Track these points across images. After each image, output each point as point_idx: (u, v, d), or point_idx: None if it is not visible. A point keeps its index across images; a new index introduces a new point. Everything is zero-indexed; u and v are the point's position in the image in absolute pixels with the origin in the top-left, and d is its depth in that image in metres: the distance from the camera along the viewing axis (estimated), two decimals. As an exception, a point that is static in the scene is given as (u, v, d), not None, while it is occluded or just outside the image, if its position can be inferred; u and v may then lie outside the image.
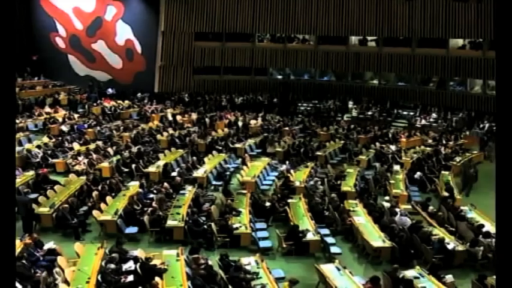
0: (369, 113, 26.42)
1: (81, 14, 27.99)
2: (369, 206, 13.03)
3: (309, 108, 27.54)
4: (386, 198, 13.95)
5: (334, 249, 10.98)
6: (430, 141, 21.31)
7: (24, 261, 9.22)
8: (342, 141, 20.30)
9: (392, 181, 15.38)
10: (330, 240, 11.30)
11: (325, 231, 11.78)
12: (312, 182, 15.06)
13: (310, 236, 11.14)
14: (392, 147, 19.75)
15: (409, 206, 13.47)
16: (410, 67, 26.32)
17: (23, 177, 14.04)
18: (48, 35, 28.42)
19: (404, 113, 26.66)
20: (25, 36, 27.83)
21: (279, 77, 29.84)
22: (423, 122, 24.72)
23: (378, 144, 20.20)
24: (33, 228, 11.47)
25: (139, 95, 27.85)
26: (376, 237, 11.05)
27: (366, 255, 11.03)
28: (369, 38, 27.73)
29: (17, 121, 20.39)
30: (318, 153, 18.60)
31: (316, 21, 27.47)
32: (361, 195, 14.09)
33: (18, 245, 9.80)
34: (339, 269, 9.46)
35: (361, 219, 12.08)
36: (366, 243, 11.04)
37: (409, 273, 9.39)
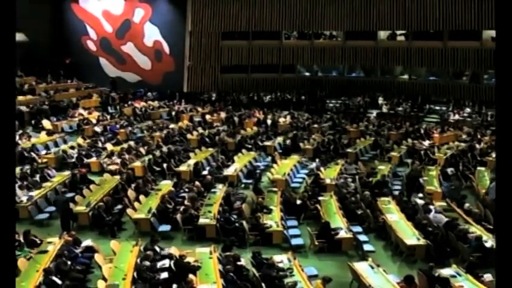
0: (400, 108, 25.98)
1: (111, 17, 28.56)
2: (402, 203, 12.84)
3: (337, 105, 27.32)
4: (420, 195, 13.70)
5: (367, 247, 10.88)
6: (464, 136, 20.80)
7: (63, 258, 9.51)
8: (373, 138, 20.05)
9: (425, 178, 15.09)
10: (362, 238, 11.19)
11: (358, 228, 11.68)
12: (342, 180, 14.95)
13: (342, 234, 11.06)
14: (425, 143, 19.38)
15: (444, 203, 13.19)
16: (442, 61, 25.73)
17: (59, 177, 14.46)
18: (79, 38, 29.11)
19: (437, 108, 26.12)
20: (58, 41, 28.60)
21: (307, 74, 29.69)
22: (456, 117, 24.16)
23: (409, 140, 19.87)
24: (71, 226, 11.78)
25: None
26: (410, 235, 10.88)
27: (400, 253, 10.87)
28: (398, 32, 27.25)
29: (54, 123, 21.04)
30: (348, 150, 18.43)
31: (343, 17, 27.18)
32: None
33: (58, 242, 10.11)
34: (372, 267, 9.36)
35: (394, 216, 11.91)
36: (399, 241, 10.89)
37: (446, 272, 9.21)
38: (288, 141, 19.40)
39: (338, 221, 11.69)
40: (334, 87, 28.52)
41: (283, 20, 27.90)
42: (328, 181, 14.61)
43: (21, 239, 10.37)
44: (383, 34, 27.89)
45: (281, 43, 28.58)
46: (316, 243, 10.98)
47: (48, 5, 28.33)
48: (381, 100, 27.33)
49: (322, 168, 15.94)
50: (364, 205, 12.71)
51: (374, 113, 25.97)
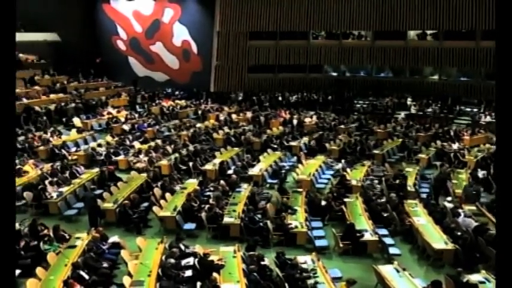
0: (429, 109, 25.49)
1: (141, 17, 29.01)
2: (430, 207, 12.59)
3: (365, 106, 26.99)
4: (449, 198, 13.40)
5: (393, 250, 10.71)
6: (495, 139, 20.25)
7: (91, 254, 9.71)
8: (400, 139, 19.73)
9: (454, 181, 14.76)
10: (388, 240, 11.03)
11: (384, 231, 11.52)
12: (368, 181, 14.77)
13: (367, 236, 10.92)
14: (455, 146, 18.95)
15: (474, 207, 12.86)
16: (474, 61, 25.12)
17: (87, 174, 14.79)
18: (110, 38, 29.70)
19: (467, 109, 25.49)
20: (89, 40, 29.25)
21: (334, 74, 29.46)
22: (488, 118, 23.49)
23: (438, 142, 19.46)
24: (99, 222, 12.02)
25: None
26: (437, 239, 10.65)
27: (427, 257, 10.66)
28: (428, 31, 26.73)
29: (84, 121, 21.53)
30: (375, 151, 18.19)
31: (372, 16, 26.83)
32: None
33: (86, 238, 10.34)
34: (398, 271, 9.21)
35: (422, 219, 11.69)
36: (426, 245, 10.68)
37: (474, 278, 8.98)
38: (312, 142, 19.29)
39: (363, 223, 11.55)
40: (362, 88, 28.21)
41: (311, 19, 27.76)
42: (354, 182, 14.45)
43: (51, 233, 10.64)
44: (413, 34, 27.42)
45: (309, 43, 28.44)
46: (341, 245, 10.89)
47: (80, 5, 28.98)
48: (409, 101, 26.85)
49: (348, 169, 15.78)
50: (390, 207, 12.52)
51: (402, 114, 25.54)
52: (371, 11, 26.81)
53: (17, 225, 11.01)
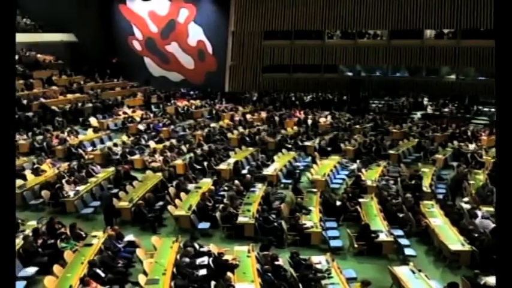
0: (446, 109, 25.18)
1: (156, 18, 29.22)
2: (447, 208, 12.44)
3: (380, 106, 26.79)
4: (466, 199, 13.22)
5: (408, 251, 10.61)
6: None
7: (108, 252, 9.82)
8: (417, 140, 19.53)
9: (472, 181, 14.55)
10: (404, 241, 10.92)
11: (399, 232, 11.40)
12: (384, 182, 14.65)
13: (383, 237, 10.84)
14: (472, 146, 18.69)
15: (491, 208, 12.66)
16: (493, 60, 24.69)
17: (103, 173, 14.95)
18: (126, 38, 29.98)
19: (485, 109, 25.11)
20: (105, 41, 29.57)
21: (349, 74, 29.30)
22: (506, 118, 23.10)
23: (455, 142, 19.21)
24: (114, 221, 12.13)
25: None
26: (454, 240, 10.52)
27: (443, 259, 10.54)
28: (445, 30, 26.41)
29: (100, 120, 21.78)
30: (391, 151, 18.04)
31: (388, 15, 26.63)
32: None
33: (102, 236, 10.45)
34: (413, 272, 9.11)
35: (438, 220, 11.55)
36: (443, 246, 10.55)
37: (491, 280, 8.82)
38: (322, 142, 19.19)
39: (378, 224, 11.46)
40: (378, 87, 28.00)
41: (326, 19, 27.66)
42: (369, 183, 14.35)
43: (68, 232, 10.78)
44: (429, 33, 27.12)
45: (324, 43, 28.34)
46: (356, 245, 10.82)
47: (97, 6, 29.30)
48: (426, 101, 26.57)
49: (363, 170, 15.68)
50: (406, 208, 12.40)
51: (418, 114, 25.30)
52: (387, 10, 26.61)
53: (34, 223, 11.23)
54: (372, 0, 26.82)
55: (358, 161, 16.86)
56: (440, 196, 13.81)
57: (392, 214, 12.26)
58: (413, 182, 14.42)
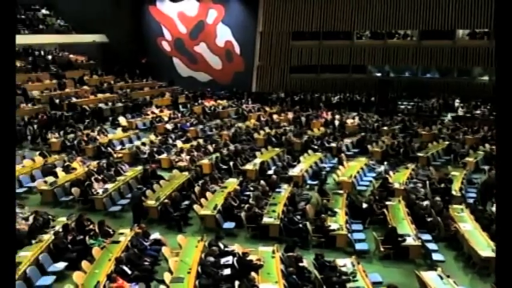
0: (477, 111, 24.53)
1: (185, 19, 29.57)
2: (477, 212, 12.12)
3: (409, 107, 26.31)
4: (497, 204, 12.84)
5: (436, 256, 10.37)
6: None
7: (134, 250, 9.97)
8: (447, 142, 19.10)
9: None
10: (431, 246, 10.69)
11: (427, 236, 11.18)
12: (412, 185, 14.39)
13: (410, 241, 10.64)
14: (504, 149, 18.12)
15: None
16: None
17: (131, 172, 15.19)
18: (155, 39, 30.45)
19: (519, 111, 24.30)
20: (135, 41, 30.10)
21: (378, 74, 28.91)
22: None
23: (487, 145, 18.70)
24: (142, 219, 12.31)
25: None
26: (484, 246, 10.22)
27: (473, 265, 10.26)
28: (478, 30, 25.74)
29: (129, 120, 22.16)
30: (419, 154, 17.69)
31: (419, 15, 26.20)
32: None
33: (129, 234, 10.63)
34: (441, 278, 8.91)
35: (468, 225, 11.26)
36: (472, 252, 10.28)
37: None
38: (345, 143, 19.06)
39: (406, 228, 11.26)
40: (407, 89, 27.52)
41: (355, 19, 27.43)
42: (396, 185, 14.12)
43: (96, 228, 11.01)
44: (462, 33, 26.50)
45: (352, 43, 28.10)
46: (382, 249, 10.67)
47: (128, 8, 29.87)
48: (457, 102, 25.94)
49: (390, 172, 15.43)
50: (434, 212, 12.15)
51: (449, 116, 24.74)
52: (418, 10, 26.18)
53: (64, 219, 11.51)
54: (402, 0, 26.42)
55: (385, 163, 16.60)
56: (471, 200, 13.45)
57: (420, 218, 12.03)
58: (442, 185, 14.10)
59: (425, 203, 12.84)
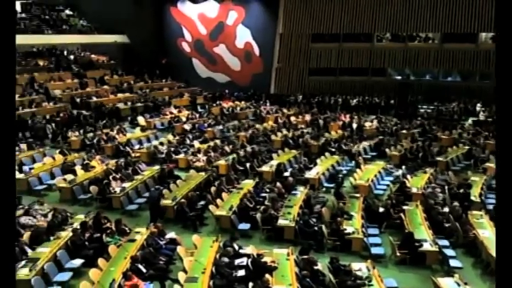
0: (500, 116, 24.02)
1: (205, 20, 29.74)
2: (496, 219, 11.89)
3: (429, 111, 25.95)
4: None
5: (453, 263, 10.20)
6: None
7: (150, 248, 10.06)
8: (467, 147, 18.78)
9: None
10: (449, 252, 10.52)
11: (445, 242, 11.00)
12: (430, 189, 14.19)
13: (427, 246, 10.49)
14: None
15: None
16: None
17: (149, 171, 15.34)
18: (175, 40, 30.70)
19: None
20: (156, 42, 30.41)
21: (398, 77, 28.61)
22: None
23: (509, 151, 18.29)
24: (158, 218, 12.40)
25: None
26: (503, 254, 10.02)
27: (491, 272, 10.06)
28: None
29: (148, 120, 22.38)
30: (439, 158, 17.43)
31: (441, 18, 25.85)
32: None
33: (145, 233, 10.73)
34: (459, 285, 8.76)
35: (487, 232, 11.04)
36: (491, 260, 10.08)
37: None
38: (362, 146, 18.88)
39: (423, 233, 11.10)
40: (427, 92, 27.16)
41: (376, 21, 27.21)
42: (414, 190, 13.93)
43: (113, 227, 11.14)
44: (485, 36, 26.05)
45: (373, 45, 27.88)
46: (398, 253, 10.54)
47: (149, 9, 30.20)
48: (478, 107, 25.49)
49: (408, 176, 15.24)
50: (453, 217, 11.95)
51: (470, 120, 24.31)
52: (440, 12, 25.84)
53: (82, 216, 11.68)
54: (424, 2, 26.12)
55: (403, 167, 16.41)
56: (490, 207, 13.18)
57: (438, 223, 11.86)
58: (461, 190, 13.87)
59: (444, 208, 12.67)
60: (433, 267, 10.34)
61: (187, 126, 21.74)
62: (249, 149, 18.08)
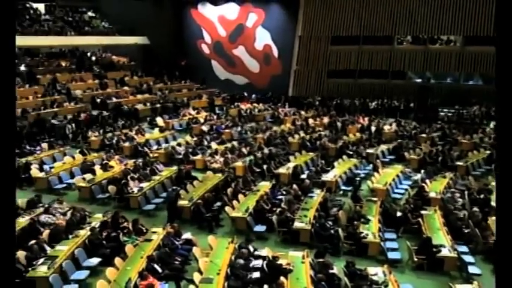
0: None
1: (225, 22, 29.87)
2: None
3: (450, 114, 25.54)
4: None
5: (472, 270, 10.02)
6: None
7: (166, 249, 10.14)
8: (488, 152, 18.43)
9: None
10: (468, 258, 10.34)
11: (463, 248, 10.82)
12: (449, 194, 13.96)
13: (445, 252, 10.33)
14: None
15: None
16: None
17: (166, 172, 15.45)
18: (195, 42, 30.91)
19: None
20: (176, 44, 30.68)
21: (418, 80, 28.25)
22: None
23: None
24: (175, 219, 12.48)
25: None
26: (524, 261, 9.80)
27: None
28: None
29: (166, 120, 22.56)
30: (458, 163, 17.15)
31: (464, 20, 25.42)
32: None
33: (161, 233, 10.81)
34: (477, 292, 8.62)
35: (507, 239, 10.82)
36: None
37: None
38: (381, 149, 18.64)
39: (441, 238, 10.93)
40: (448, 95, 26.73)
41: (396, 23, 26.93)
42: (433, 194, 13.73)
43: (130, 226, 11.25)
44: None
45: (393, 48, 27.59)
46: (415, 259, 10.40)
47: (170, 11, 30.49)
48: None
49: (427, 181, 15.02)
50: (472, 223, 11.74)
51: (491, 124, 23.84)
52: (462, 14, 25.43)
53: (100, 215, 11.83)
54: (446, 4, 25.74)
55: (422, 171, 16.20)
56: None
57: (457, 229, 11.67)
58: (481, 196, 13.61)
59: (463, 213, 12.46)
60: (451, 273, 10.19)
61: (205, 128, 21.86)
62: (266, 151, 18.07)
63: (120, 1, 29.63)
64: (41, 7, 29.24)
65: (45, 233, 10.58)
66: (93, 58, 29.37)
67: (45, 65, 26.21)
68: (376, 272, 9.42)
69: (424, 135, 21.22)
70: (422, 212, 12.44)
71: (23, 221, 11.16)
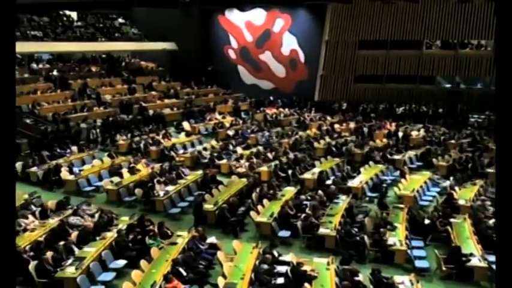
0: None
1: (252, 27, 29.99)
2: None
3: (480, 120, 24.91)
4: None
5: (503, 280, 9.72)
6: None
7: (191, 252, 10.21)
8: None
9: None
10: (499, 269, 10.04)
11: (494, 258, 10.50)
12: (479, 202, 13.60)
13: (475, 262, 10.06)
14: None
15: None
16: None
17: (192, 176, 15.58)
18: (222, 47, 31.13)
19: None
20: (203, 50, 30.99)
21: (447, 85, 27.70)
22: None
23: None
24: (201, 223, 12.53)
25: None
26: (559, 273, 9.45)
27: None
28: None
29: (193, 125, 22.77)
30: (489, 170, 16.68)
31: (495, 24, 24.78)
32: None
33: (186, 236, 10.90)
34: (508, 303, 8.33)
35: (541, 249, 10.46)
36: (545, 278, 9.53)
37: None
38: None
39: (471, 247, 10.66)
40: (479, 101, 26.08)
41: (425, 28, 26.51)
42: (462, 202, 13.41)
43: (156, 229, 11.38)
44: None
45: (421, 53, 27.16)
46: (444, 268, 10.17)
47: (198, 17, 30.84)
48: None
49: (456, 188, 14.68)
50: (503, 233, 11.39)
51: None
52: (493, 19, 24.80)
53: (126, 218, 12.01)
54: (476, 8, 25.21)
55: (451, 178, 15.84)
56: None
57: (488, 238, 11.32)
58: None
59: (494, 222, 12.10)
60: (481, 283, 9.94)
61: (230, 132, 21.96)
62: (291, 156, 18.01)
63: (150, 8, 30.18)
64: (73, 14, 30.04)
65: (74, 234, 10.80)
66: (123, 63, 29.95)
67: (76, 71, 26.87)
68: (402, 280, 9.25)
69: (453, 141, 20.76)
70: (451, 220, 12.15)
71: (52, 222, 11.44)
